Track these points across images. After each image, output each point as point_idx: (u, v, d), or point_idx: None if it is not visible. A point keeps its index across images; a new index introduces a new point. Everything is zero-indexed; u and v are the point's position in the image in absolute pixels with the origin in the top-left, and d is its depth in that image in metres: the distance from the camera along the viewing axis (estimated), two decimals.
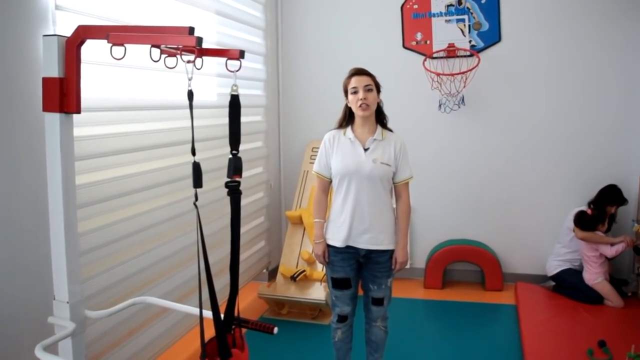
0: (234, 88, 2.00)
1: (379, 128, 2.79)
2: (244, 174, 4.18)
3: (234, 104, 2.12)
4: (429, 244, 4.73)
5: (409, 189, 2.85)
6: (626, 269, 4.32)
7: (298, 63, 4.88)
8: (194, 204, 1.78)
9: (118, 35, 1.68)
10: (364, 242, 2.73)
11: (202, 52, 1.84)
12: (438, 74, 4.41)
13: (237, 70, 1.99)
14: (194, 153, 1.80)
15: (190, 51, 1.75)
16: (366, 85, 2.67)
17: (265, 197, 4.60)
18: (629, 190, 4.14)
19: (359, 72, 2.73)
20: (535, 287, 4.37)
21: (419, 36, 4.60)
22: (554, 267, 4.28)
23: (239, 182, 2.20)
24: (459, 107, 4.51)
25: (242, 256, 4.21)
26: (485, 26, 4.47)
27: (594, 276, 4.01)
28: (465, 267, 4.64)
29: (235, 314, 2.03)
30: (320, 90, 4.74)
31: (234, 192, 2.21)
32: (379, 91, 2.77)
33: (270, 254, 4.72)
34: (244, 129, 4.20)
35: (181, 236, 3.16)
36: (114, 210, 2.66)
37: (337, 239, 2.76)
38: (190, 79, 1.72)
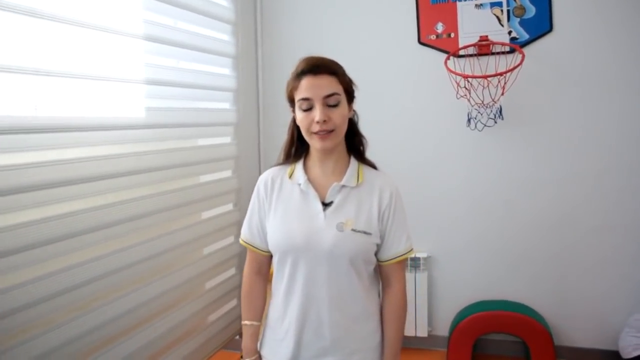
0: None
1: (353, 164, 1.66)
2: (207, 213, 3.23)
3: None
4: (455, 306, 3.53)
5: (405, 269, 1.71)
6: None
7: (284, 68, 3.74)
8: None
9: None
10: None
11: None
12: (466, 77, 3.23)
13: None
14: None
15: None
16: (328, 96, 1.53)
17: (236, 243, 3.49)
18: None
19: (315, 68, 1.56)
20: None
21: (440, 27, 3.44)
22: (632, 346, 3.04)
23: None
24: (496, 122, 3.31)
25: (210, 317, 3.23)
26: (531, 11, 3.29)
27: None
28: (504, 337, 3.44)
29: None
30: None
31: None
32: (351, 99, 1.63)
33: None
34: (203, 155, 3.19)
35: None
36: None
37: None
38: None
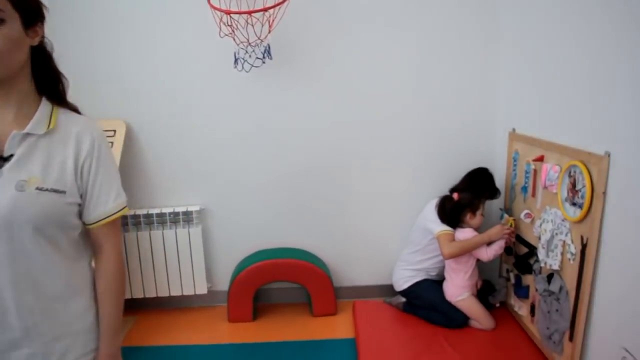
0: None
1: (45, 107, 1.29)
2: None
3: None
4: (234, 259, 3.37)
5: (120, 229, 1.42)
6: (491, 271, 3.30)
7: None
8: None
9: None
10: None
11: None
12: (228, 13, 2.98)
13: None
14: None
15: None
16: None
17: None
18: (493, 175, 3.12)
19: None
20: (380, 305, 3.25)
21: None
22: (403, 279, 3.15)
23: None
24: (264, 62, 3.13)
25: None
26: None
27: (458, 291, 2.97)
28: (284, 285, 3.36)
29: None
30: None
31: None
32: (32, 21, 1.23)
33: None
34: None
35: None
36: None
37: None
38: None
